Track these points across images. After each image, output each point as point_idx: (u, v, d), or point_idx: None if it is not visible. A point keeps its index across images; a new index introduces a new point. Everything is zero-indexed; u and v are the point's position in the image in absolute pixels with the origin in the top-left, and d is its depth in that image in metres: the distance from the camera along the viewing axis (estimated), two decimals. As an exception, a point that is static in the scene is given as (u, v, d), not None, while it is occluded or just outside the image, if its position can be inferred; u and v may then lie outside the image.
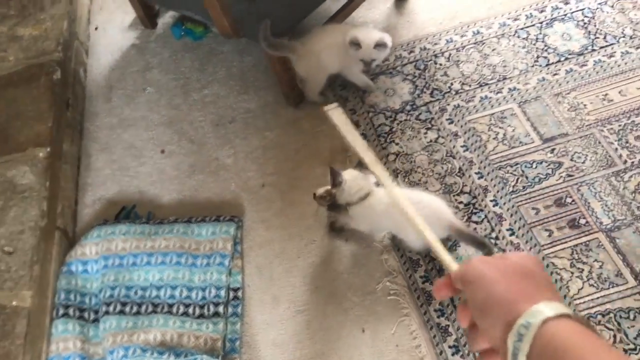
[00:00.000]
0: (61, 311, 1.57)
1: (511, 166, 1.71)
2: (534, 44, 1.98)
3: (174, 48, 2.26)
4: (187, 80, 2.14)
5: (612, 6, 2.03)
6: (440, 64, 1.99)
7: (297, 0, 1.80)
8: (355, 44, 1.75)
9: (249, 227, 1.73)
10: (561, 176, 1.67)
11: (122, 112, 2.10)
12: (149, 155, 1.96)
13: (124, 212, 1.80)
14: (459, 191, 1.69)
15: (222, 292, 1.57)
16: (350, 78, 1.93)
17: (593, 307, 1.45)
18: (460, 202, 1.66)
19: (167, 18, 2.36)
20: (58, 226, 1.72)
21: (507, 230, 1.59)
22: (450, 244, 1.58)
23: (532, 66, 1.93)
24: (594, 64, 1.89)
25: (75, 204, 1.87)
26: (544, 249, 1.55)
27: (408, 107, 1.90)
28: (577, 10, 2.04)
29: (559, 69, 1.90)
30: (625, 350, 1.39)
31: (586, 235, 1.56)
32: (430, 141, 1.81)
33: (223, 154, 1.91)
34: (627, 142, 1.70)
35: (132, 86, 2.17)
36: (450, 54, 2.02)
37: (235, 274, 1.62)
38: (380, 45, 1.75)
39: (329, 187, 1.53)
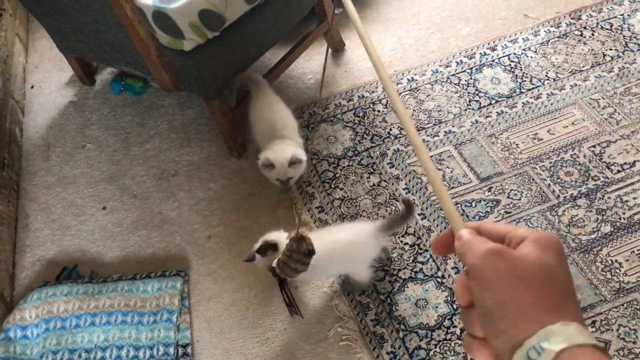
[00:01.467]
0: (-1, 381, 1.49)
1: (452, 206, 1.76)
2: (466, 89, 2.08)
3: (114, 104, 2.25)
4: (128, 135, 2.13)
5: (535, 51, 2.16)
6: (379, 111, 2.06)
7: (236, 54, 1.83)
8: (268, 165, 1.71)
9: (196, 280, 1.71)
10: (500, 213, 1.73)
11: (61, 170, 2.05)
12: (90, 212, 1.91)
13: (65, 273, 1.74)
14: (403, 233, 1.72)
15: (171, 350, 1.53)
16: None
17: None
18: (406, 244, 1.70)
19: (105, 74, 2.35)
20: (-6, 291, 1.64)
21: (452, 268, 1.63)
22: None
23: (465, 110, 2.02)
24: (523, 106, 1.99)
25: (12, 267, 1.80)
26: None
27: (350, 153, 1.94)
28: (504, 56, 2.16)
29: (491, 112, 1.99)
30: None
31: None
32: (373, 185, 1.85)
33: (167, 208, 1.89)
34: (558, 178, 1.79)
35: (71, 143, 2.13)
36: (387, 101, 2.09)
37: (183, 329, 1.59)
38: (294, 162, 1.70)
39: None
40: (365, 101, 2.10)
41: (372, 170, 1.89)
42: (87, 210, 1.92)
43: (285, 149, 1.72)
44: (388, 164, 1.90)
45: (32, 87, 2.38)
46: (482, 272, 0.49)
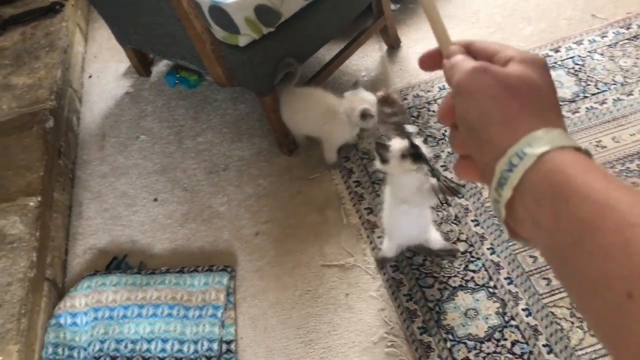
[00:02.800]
0: (48, 366, 1.53)
1: (507, 213, 1.70)
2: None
3: (168, 96, 2.27)
4: (181, 128, 2.14)
5: (602, 54, 2.05)
6: (434, 111, 2.00)
7: (290, 50, 1.81)
8: (368, 115, 1.69)
9: (242, 277, 1.70)
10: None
11: (115, 160, 2.08)
12: (141, 203, 1.93)
13: (115, 263, 1.77)
14: (455, 239, 1.67)
15: (215, 346, 1.53)
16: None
17: (596, 358, 1.42)
18: (457, 251, 1.64)
19: (161, 66, 2.37)
20: (47, 277, 1.68)
21: (505, 279, 1.57)
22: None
23: (525, 113, 1.94)
24: (587, 111, 1.90)
25: (65, 253, 1.84)
26: (543, 298, 1.53)
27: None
28: (568, 58, 2.07)
29: (552, 116, 1.91)
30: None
31: (585, 284, 1.54)
32: (425, 188, 1.80)
33: (216, 202, 1.89)
34: (622, 189, 1.69)
35: (126, 134, 2.16)
36: (443, 101, 2.03)
37: (228, 325, 1.58)
38: (381, 100, 1.72)
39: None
40: (420, 100, 2.05)
41: (424, 173, 1.84)
42: (138, 201, 1.94)
43: (359, 95, 1.72)
44: (442, 166, 1.84)
45: (90, 76, 2.43)
46: (467, 87, 0.48)
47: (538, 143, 0.43)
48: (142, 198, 1.95)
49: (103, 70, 2.45)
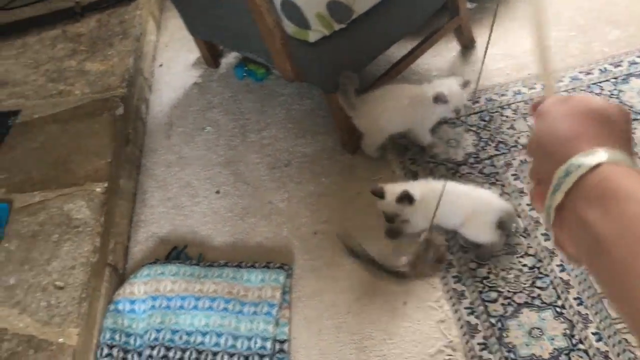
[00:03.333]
0: (105, 351, 1.55)
1: (581, 229, 1.60)
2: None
3: (235, 88, 2.27)
4: (246, 122, 2.14)
5: (695, 63, 1.91)
6: (507, 117, 1.92)
7: (360, 47, 1.77)
8: (441, 100, 1.70)
9: (299, 276, 1.68)
10: None
11: (181, 149, 2.10)
12: (204, 195, 1.94)
13: (175, 253, 1.78)
14: (523, 253, 1.59)
15: (268, 344, 1.51)
16: (413, 138, 1.88)
17: (671, 392, 1.32)
18: (524, 265, 1.56)
19: (230, 58, 2.38)
20: (109, 262, 1.71)
21: (575, 299, 1.48)
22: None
23: (606, 123, 1.82)
24: (674, 124, 1.77)
25: (127, 240, 1.86)
26: (616, 323, 1.43)
27: (471, 160, 1.83)
28: (656, 66, 1.94)
29: (635, 128, 1.79)
30: None
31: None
32: (494, 197, 1.73)
33: (277, 198, 1.88)
34: None
35: (192, 124, 2.18)
36: (517, 107, 1.94)
37: (282, 324, 1.57)
38: (464, 85, 1.73)
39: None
40: (493, 105, 1.96)
41: (494, 181, 1.76)
42: (201, 193, 1.95)
43: (445, 81, 1.76)
44: (512, 175, 1.76)
45: (160, 65, 2.46)
46: (547, 110, 0.53)
47: (597, 156, 0.46)
48: (205, 189, 1.96)
49: (173, 59, 2.48)
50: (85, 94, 2.09)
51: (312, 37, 1.65)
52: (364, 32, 1.74)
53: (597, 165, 0.46)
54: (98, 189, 1.77)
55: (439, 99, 1.71)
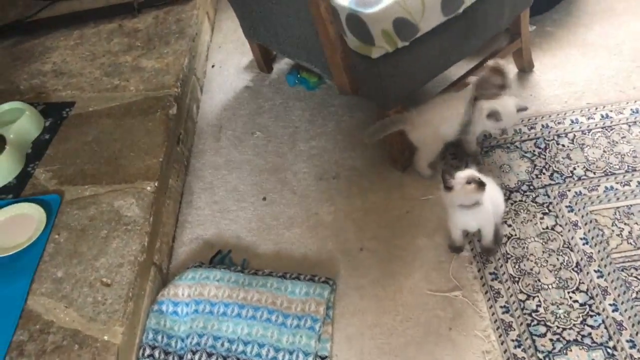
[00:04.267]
0: (147, 352, 1.56)
1: (636, 269, 1.56)
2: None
3: (286, 95, 2.27)
4: (296, 130, 2.13)
5: None
6: (563, 145, 1.88)
7: (422, 65, 1.75)
8: (494, 117, 1.70)
9: (343, 292, 1.67)
10: (694, 289, 1.51)
11: (229, 153, 2.10)
12: (250, 200, 1.94)
13: (219, 257, 1.78)
14: (574, 288, 1.55)
15: (310, 359, 1.50)
16: (464, 142, 1.87)
17: None
18: (575, 301, 1.53)
19: (282, 64, 2.37)
20: (154, 262, 1.72)
21: (628, 341, 1.44)
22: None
23: (667, 161, 1.78)
24: None
25: (172, 240, 1.87)
26: (669, 370, 1.39)
27: (524, 187, 1.79)
28: None
29: (697, 168, 1.74)
30: None
31: None
32: (547, 228, 1.69)
33: (323, 210, 1.87)
34: None
35: (242, 128, 2.18)
36: (574, 136, 1.90)
37: (324, 340, 1.56)
38: (520, 109, 1.72)
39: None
40: (550, 132, 1.92)
41: (547, 211, 1.73)
42: (247, 198, 1.95)
43: (504, 99, 1.73)
44: (567, 207, 1.72)
45: (212, 66, 2.48)
46: None
47: None
48: (252, 195, 1.95)
49: (226, 61, 2.48)
50: (139, 90, 2.10)
51: (375, 53, 1.63)
52: (426, 50, 1.71)
53: None
54: (148, 188, 1.78)
55: (492, 116, 1.71)
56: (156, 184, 1.79)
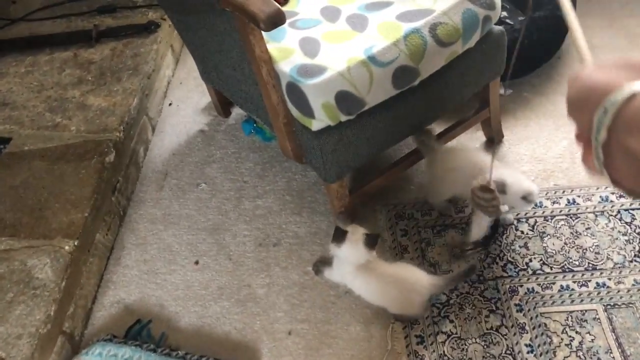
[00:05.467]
0: None
1: (581, 388, 1.41)
2: (638, 234, 1.68)
3: (240, 144, 2.13)
4: (244, 184, 1.99)
5: None
6: (522, 232, 1.73)
7: (370, 139, 1.60)
8: (500, 190, 1.52)
9: (262, 381, 1.53)
10: (642, 420, 1.35)
11: (170, 205, 1.97)
12: (181, 263, 1.80)
13: (137, 327, 1.64)
14: None
15: None
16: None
17: None
18: (510, 422, 1.38)
19: (240, 110, 2.24)
20: (64, 330, 1.58)
21: None
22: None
23: (631, 261, 1.63)
24: None
25: (92, 302, 1.74)
26: None
27: (474, 277, 1.65)
28: (699, 201, 1.73)
29: (664, 271, 1.59)
30: None
31: None
32: (491, 328, 1.54)
33: (257, 282, 1.73)
34: None
35: (188, 178, 2.05)
36: (536, 222, 1.75)
37: None
38: (527, 198, 1.55)
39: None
40: (510, 213, 1.78)
41: (494, 308, 1.58)
42: (179, 260, 1.81)
43: (521, 176, 1.60)
44: (516, 305, 1.58)
45: (170, 104, 2.34)
46: (580, 73, 0.56)
47: (632, 87, 0.48)
48: (184, 257, 1.82)
49: (185, 99, 2.35)
50: (80, 131, 1.97)
51: (315, 126, 1.50)
52: (375, 124, 1.57)
53: (633, 97, 0.48)
54: (67, 247, 1.64)
55: (498, 188, 1.52)
56: (76, 243, 1.66)
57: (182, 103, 2.34)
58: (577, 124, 0.56)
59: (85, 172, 1.84)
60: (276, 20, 1.34)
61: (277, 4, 1.35)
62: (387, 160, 1.86)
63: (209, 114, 2.27)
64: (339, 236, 1.47)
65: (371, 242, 1.47)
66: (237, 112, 2.24)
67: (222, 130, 2.20)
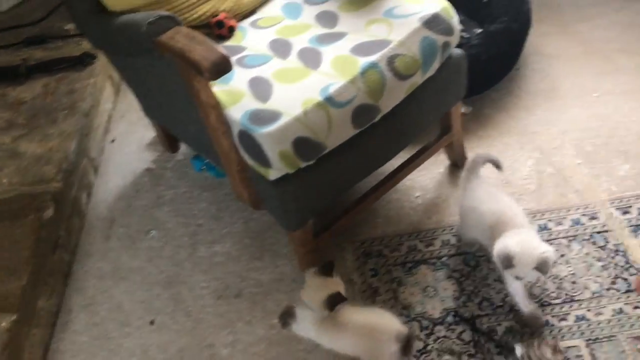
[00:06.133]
0: None
1: None
2: (613, 258, 1.63)
3: (191, 182, 1.99)
4: (198, 228, 1.86)
5: None
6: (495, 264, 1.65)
7: (332, 181, 1.49)
8: (505, 262, 1.38)
9: None
10: None
11: (118, 257, 1.81)
12: (136, 324, 1.66)
13: (91, 404, 1.50)
14: None
15: None
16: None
17: None
18: None
19: (189, 145, 2.10)
20: (8, 417, 1.42)
21: None
22: None
23: (608, 289, 1.57)
24: (688, 301, 1.52)
25: (38, 377, 1.58)
26: None
27: (450, 318, 1.56)
28: (670, 219, 1.69)
29: (643, 298, 1.54)
30: None
31: None
32: (472, 375, 1.46)
33: (220, 341, 1.60)
34: None
35: (137, 224, 1.90)
36: (508, 252, 1.67)
37: None
38: (541, 266, 1.37)
39: None
40: (481, 246, 1.70)
41: (472, 353, 1.49)
42: (133, 321, 1.66)
43: (532, 242, 1.40)
44: (495, 348, 1.50)
45: (112, 141, 2.18)
46: None
47: None
48: (138, 317, 1.67)
49: (128, 135, 2.19)
50: (12, 184, 1.80)
51: (273, 175, 1.38)
52: (337, 165, 1.47)
53: None
54: (4, 324, 1.47)
55: (504, 263, 1.39)
56: (15, 318, 1.49)
57: (126, 139, 2.18)
58: None
59: (21, 231, 1.67)
60: (221, 68, 1.22)
61: (221, 43, 1.22)
62: (352, 194, 1.74)
63: (155, 149, 2.11)
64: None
65: (332, 302, 1.35)
66: (184, 146, 2.10)
67: (170, 167, 2.05)
